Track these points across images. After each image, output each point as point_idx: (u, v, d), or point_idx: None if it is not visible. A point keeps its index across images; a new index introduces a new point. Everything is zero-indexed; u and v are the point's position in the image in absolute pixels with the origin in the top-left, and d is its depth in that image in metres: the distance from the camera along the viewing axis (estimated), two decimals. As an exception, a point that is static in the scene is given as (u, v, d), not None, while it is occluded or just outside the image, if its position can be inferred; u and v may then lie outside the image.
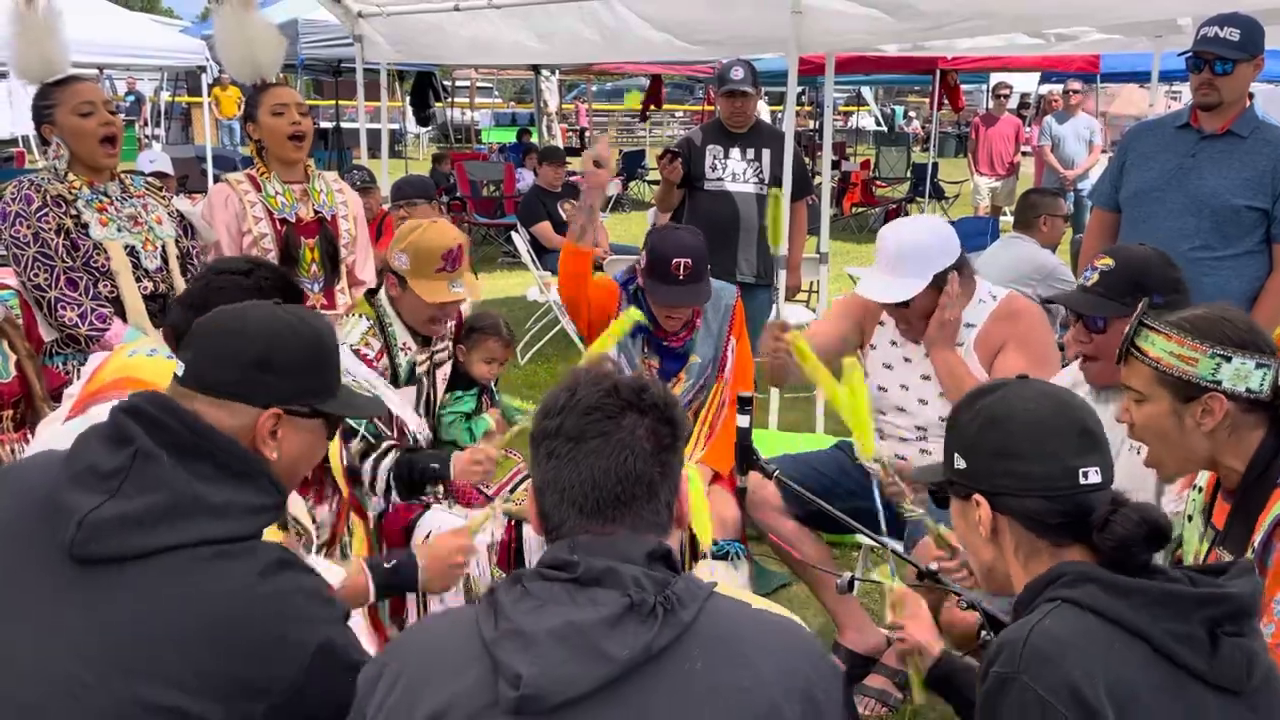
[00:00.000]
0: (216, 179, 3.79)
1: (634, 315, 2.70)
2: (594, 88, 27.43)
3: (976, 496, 1.47)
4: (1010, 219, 6.75)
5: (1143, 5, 4.57)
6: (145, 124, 19.53)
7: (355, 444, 2.68)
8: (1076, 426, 1.44)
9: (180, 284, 3.03)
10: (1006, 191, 10.75)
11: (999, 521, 1.47)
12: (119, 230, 2.96)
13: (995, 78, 13.91)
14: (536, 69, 14.12)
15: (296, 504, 2.34)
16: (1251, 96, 3.42)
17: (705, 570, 2.55)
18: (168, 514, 1.32)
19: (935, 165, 13.92)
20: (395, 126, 19.06)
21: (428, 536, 2.71)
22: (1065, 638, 1.29)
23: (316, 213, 3.37)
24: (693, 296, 2.96)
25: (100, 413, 1.84)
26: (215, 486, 1.37)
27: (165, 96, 19.30)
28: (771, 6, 4.40)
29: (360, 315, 2.80)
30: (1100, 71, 11.38)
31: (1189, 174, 3.31)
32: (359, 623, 2.30)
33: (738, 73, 4.68)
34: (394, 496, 2.70)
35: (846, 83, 20.33)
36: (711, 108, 13.45)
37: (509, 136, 19.42)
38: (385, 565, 1.95)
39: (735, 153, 4.81)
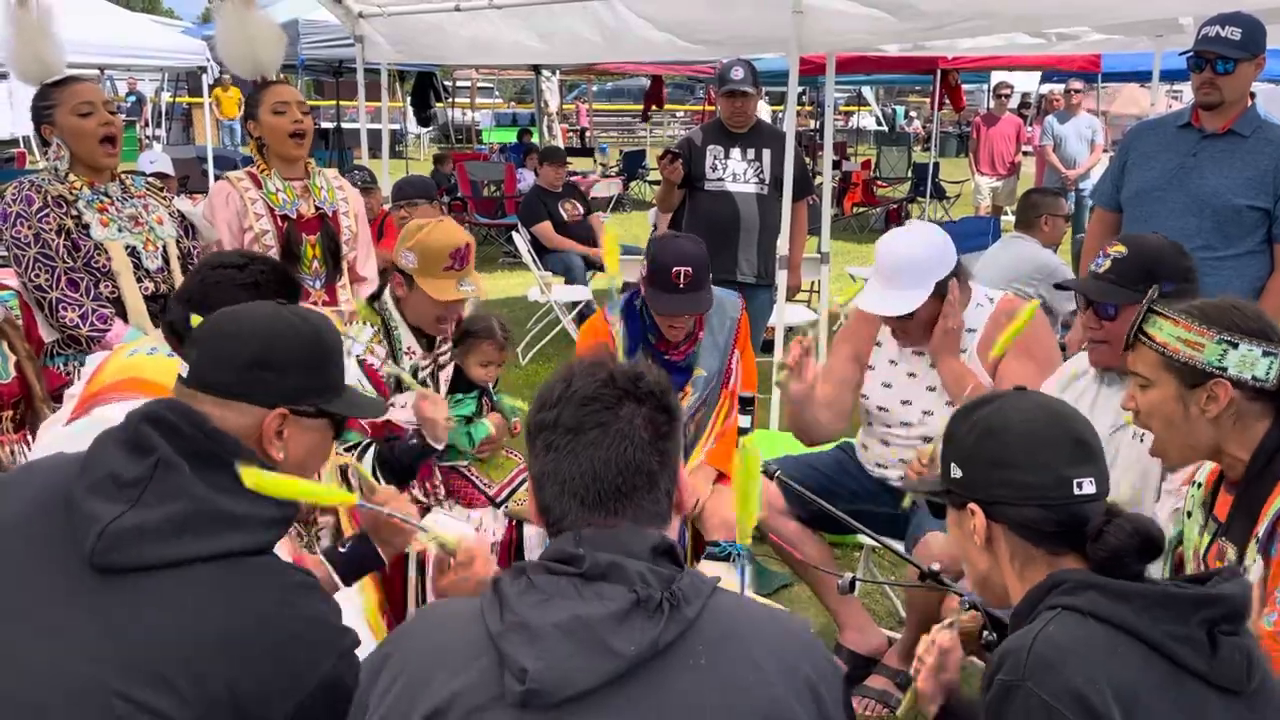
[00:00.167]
0: (217, 178, 3.79)
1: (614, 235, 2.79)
2: (594, 88, 27.45)
3: (972, 506, 1.48)
4: (1011, 219, 6.74)
5: (1144, 5, 4.56)
6: (146, 124, 19.53)
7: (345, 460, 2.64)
8: (1071, 437, 1.45)
9: (181, 284, 3.03)
10: (1007, 191, 10.76)
11: (994, 530, 1.47)
12: (120, 231, 2.96)
13: (996, 77, 13.92)
14: (537, 69, 14.14)
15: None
16: (1253, 96, 3.41)
17: (707, 569, 2.55)
18: (188, 525, 1.32)
19: (936, 165, 13.92)
20: (396, 127, 19.06)
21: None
22: (1068, 644, 1.29)
23: (317, 209, 3.37)
24: (694, 305, 2.95)
25: (105, 414, 1.83)
26: (235, 498, 1.37)
27: (166, 97, 19.32)
28: (772, 6, 4.40)
29: (365, 322, 2.79)
30: (1101, 71, 11.39)
31: (1190, 173, 3.30)
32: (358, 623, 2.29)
33: (738, 73, 4.68)
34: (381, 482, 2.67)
35: (847, 82, 20.33)
36: (712, 108, 13.45)
37: (510, 137, 19.42)
38: (341, 550, 1.92)
39: (736, 153, 4.80)
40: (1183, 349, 1.72)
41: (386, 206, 5.88)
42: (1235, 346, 1.69)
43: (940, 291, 2.71)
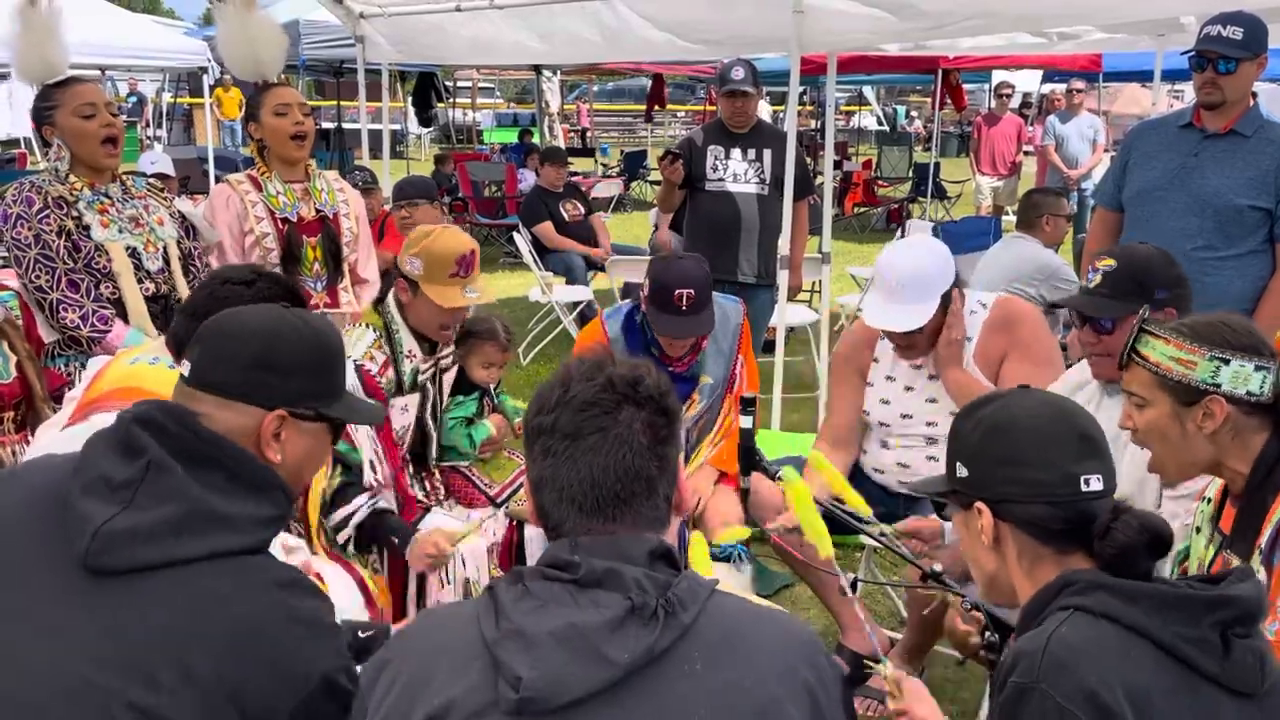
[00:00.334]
0: (218, 180, 3.79)
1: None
2: (595, 88, 27.45)
3: (979, 504, 1.47)
4: (1012, 218, 6.74)
5: (1145, 4, 4.55)
6: (147, 125, 19.53)
7: (332, 477, 2.61)
8: (1077, 433, 1.45)
9: (182, 285, 3.03)
10: (1008, 191, 10.75)
11: (1001, 530, 1.47)
12: (120, 232, 2.95)
13: (997, 77, 13.91)
14: (538, 69, 14.15)
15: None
16: (1255, 95, 3.41)
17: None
18: (182, 525, 1.32)
19: (937, 165, 13.91)
20: (397, 127, 19.08)
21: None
22: (1081, 645, 1.29)
23: (318, 211, 3.37)
24: (695, 327, 2.95)
25: (102, 421, 1.83)
26: (228, 498, 1.36)
27: (167, 98, 19.32)
28: (773, 6, 4.39)
29: (367, 325, 2.79)
30: (1103, 71, 11.38)
31: (1192, 173, 3.30)
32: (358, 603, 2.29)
33: (738, 73, 4.67)
34: (350, 547, 2.63)
35: (848, 82, 20.33)
36: (713, 108, 13.44)
37: (510, 137, 19.43)
38: (360, 634, 1.92)
39: (736, 153, 4.80)
40: (1176, 368, 1.73)
41: (387, 207, 5.88)
42: (1227, 363, 1.70)
43: (944, 303, 2.72)
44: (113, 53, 9.66)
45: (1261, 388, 1.70)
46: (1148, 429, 1.79)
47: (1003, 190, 10.80)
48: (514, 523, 2.89)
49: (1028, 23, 5.31)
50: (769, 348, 4.84)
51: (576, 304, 6.90)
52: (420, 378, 2.84)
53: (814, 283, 6.59)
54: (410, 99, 16.50)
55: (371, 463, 2.64)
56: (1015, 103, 12.37)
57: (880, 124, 27.42)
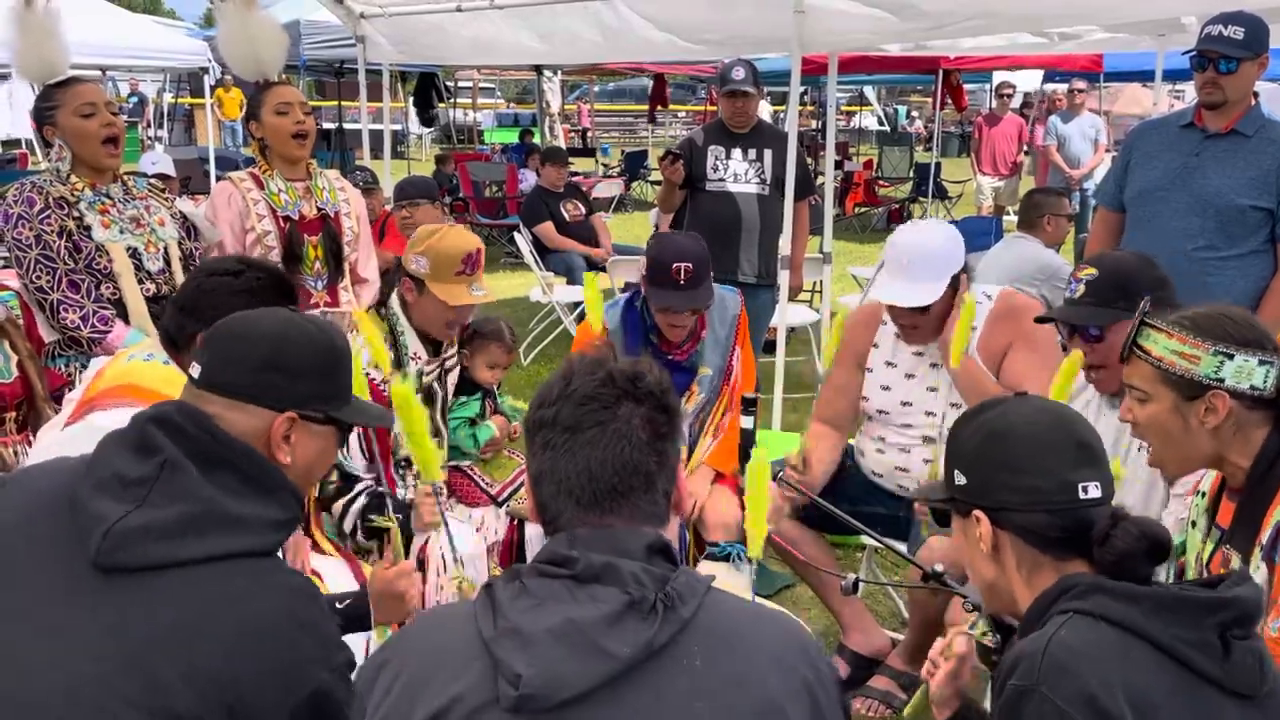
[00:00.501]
0: (219, 179, 3.79)
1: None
2: (596, 88, 27.45)
3: (977, 513, 1.47)
4: (1013, 219, 6.73)
5: (1146, 4, 4.55)
6: (148, 125, 19.53)
7: (330, 483, 2.64)
8: (1074, 440, 1.44)
9: (183, 286, 3.03)
10: (1009, 191, 10.75)
11: (1000, 538, 1.46)
12: (121, 232, 2.95)
13: (998, 77, 13.90)
14: (539, 69, 14.15)
15: None
16: (1256, 95, 3.41)
17: (707, 569, 2.54)
18: (194, 525, 1.32)
19: (938, 165, 13.91)
20: (398, 127, 19.08)
21: (426, 542, 2.71)
22: (1081, 648, 1.29)
23: (319, 210, 3.37)
24: (694, 300, 2.95)
25: (98, 420, 1.84)
26: (240, 500, 1.37)
27: (168, 98, 19.33)
28: (774, 6, 4.39)
29: (366, 339, 2.78)
30: (1103, 71, 11.37)
31: (1193, 173, 3.29)
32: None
33: (739, 73, 4.68)
34: (358, 536, 2.65)
35: (849, 82, 20.32)
36: (713, 108, 13.45)
37: (511, 137, 19.43)
38: (338, 605, 1.93)
39: (737, 153, 4.80)
40: (1179, 362, 1.72)
41: (388, 207, 5.88)
42: (1231, 357, 1.69)
43: (953, 286, 2.71)
44: (113, 53, 9.66)
45: (1265, 382, 1.69)
46: (1149, 423, 1.78)
47: (1004, 190, 10.80)
48: (515, 521, 2.89)
49: (1029, 23, 5.30)
50: (770, 348, 4.84)
51: (577, 304, 6.89)
52: (426, 379, 2.84)
53: (815, 283, 6.59)
54: (411, 99, 16.50)
55: (364, 462, 2.66)
56: (1016, 103, 12.35)
57: (881, 124, 27.41)
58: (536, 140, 14.33)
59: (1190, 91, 4.01)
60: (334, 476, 2.64)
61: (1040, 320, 2.62)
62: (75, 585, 1.29)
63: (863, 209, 13.58)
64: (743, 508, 2.73)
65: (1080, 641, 1.29)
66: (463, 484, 2.98)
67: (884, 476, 2.95)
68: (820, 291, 6.22)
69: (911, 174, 15.21)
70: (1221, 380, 1.69)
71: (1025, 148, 11.17)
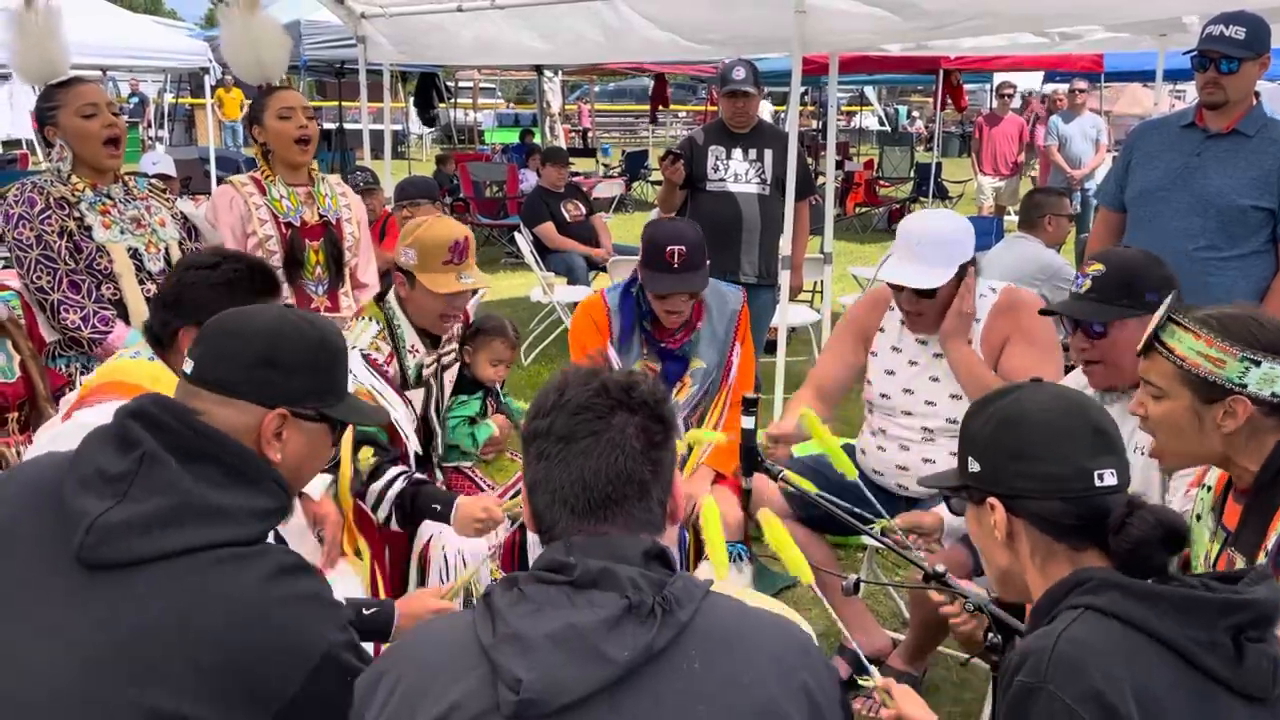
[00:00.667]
0: (220, 180, 3.80)
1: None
2: (597, 88, 27.46)
3: (991, 500, 1.46)
4: (1014, 219, 6.73)
5: (1147, 4, 4.55)
6: (149, 126, 19.55)
7: (366, 456, 2.60)
8: (1090, 427, 1.42)
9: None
10: (1010, 191, 10.75)
11: (1014, 525, 1.45)
12: (122, 233, 2.95)
13: (999, 77, 13.90)
14: (539, 69, 14.16)
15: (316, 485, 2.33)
16: (1257, 95, 3.40)
17: (708, 571, 2.54)
18: (176, 517, 1.32)
19: (939, 165, 13.92)
20: (398, 127, 19.09)
21: (428, 542, 2.71)
22: (1091, 645, 1.27)
23: (321, 216, 3.36)
24: (688, 283, 2.94)
25: (86, 416, 1.83)
26: (222, 490, 1.37)
27: (169, 98, 19.34)
28: (775, 6, 4.39)
29: (370, 319, 2.79)
30: (1104, 71, 11.37)
31: (1194, 173, 3.29)
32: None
33: (740, 73, 4.68)
34: (392, 523, 2.64)
35: (850, 82, 20.33)
36: (714, 108, 13.45)
37: (512, 137, 19.44)
38: (365, 611, 1.93)
39: (737, 153, 4.80)
40: (1204, 364, 1.68)
41: (389, 207, 5.88)
42: (1258, 364, 1.65)
43: (960, 275, 2.72)
44: (114, 53, 9.67)
45: None
46: (1161, 420, 1.76)
47: (1004, 190, 10.80)
48: (517, 525, 2.89)
49: (1029, 23, 5.30)
50: (770, 348, 4.84)
51: (577, 304, 6.89)
52: (424, 372, 2.84)
53: (815, 283, 6.59)
54: (412, 99, 16.52)
55: (399, 428, 2.64)
56: (1016, 103, 12.36)
57: (882, 124, 27.43)
58: (537, 140, 14.33)
59: (1191, 91, 4.02)
60: (370, 453, 2.59)
61: (1044, 313, 2.62)
62: (67, 583, 1.30)
63: (863, 209, 13.58)
64: (744, 508, 2.75)
65: (1090, 638, 1.28)
66: (463, 485, 2.98)
67: (884, 475, 2.95)
68: (821, 292, 6.22)
69: (912, 174, 15.22)
70: (1245, 386, 1.67)
71: (1028, 145, 11.16)
